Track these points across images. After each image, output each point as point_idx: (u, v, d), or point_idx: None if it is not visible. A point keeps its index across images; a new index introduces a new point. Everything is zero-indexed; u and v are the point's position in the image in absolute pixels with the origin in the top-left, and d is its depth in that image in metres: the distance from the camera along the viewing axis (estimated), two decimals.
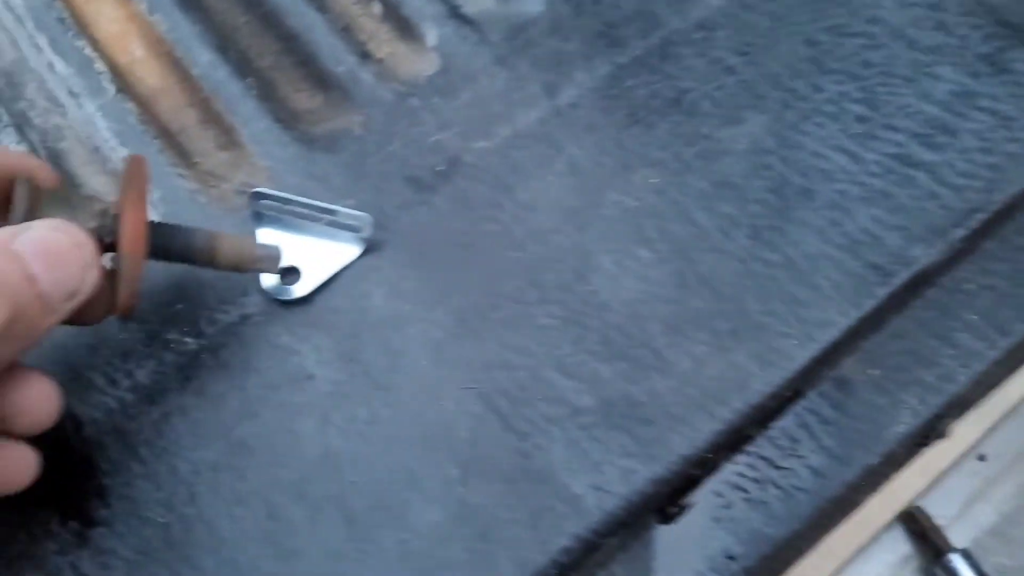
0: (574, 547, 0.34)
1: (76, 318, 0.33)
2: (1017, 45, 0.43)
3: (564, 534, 0.34)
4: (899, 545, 0.53)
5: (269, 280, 0.39)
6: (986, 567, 0.53)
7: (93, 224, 0.33)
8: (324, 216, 0.39)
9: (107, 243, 0.33)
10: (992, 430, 0.56)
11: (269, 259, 0.37)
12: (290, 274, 0.39)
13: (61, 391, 0.32)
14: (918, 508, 0.52)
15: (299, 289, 0.38)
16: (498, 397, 0.36)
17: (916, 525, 0.52)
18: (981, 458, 0.54)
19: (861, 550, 0.52)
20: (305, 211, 0.39)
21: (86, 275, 0.31)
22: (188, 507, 0.35)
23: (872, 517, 0.52)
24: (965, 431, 0.54)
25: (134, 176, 0.34)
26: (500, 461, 0.35)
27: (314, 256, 0.39)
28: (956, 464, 0.54)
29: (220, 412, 0.36)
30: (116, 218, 0.33)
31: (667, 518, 0.37)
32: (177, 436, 0.36)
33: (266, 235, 0.39)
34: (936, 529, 0.52)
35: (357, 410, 0.36)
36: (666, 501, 0.37)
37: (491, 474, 0.35)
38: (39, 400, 0.32)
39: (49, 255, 0.30)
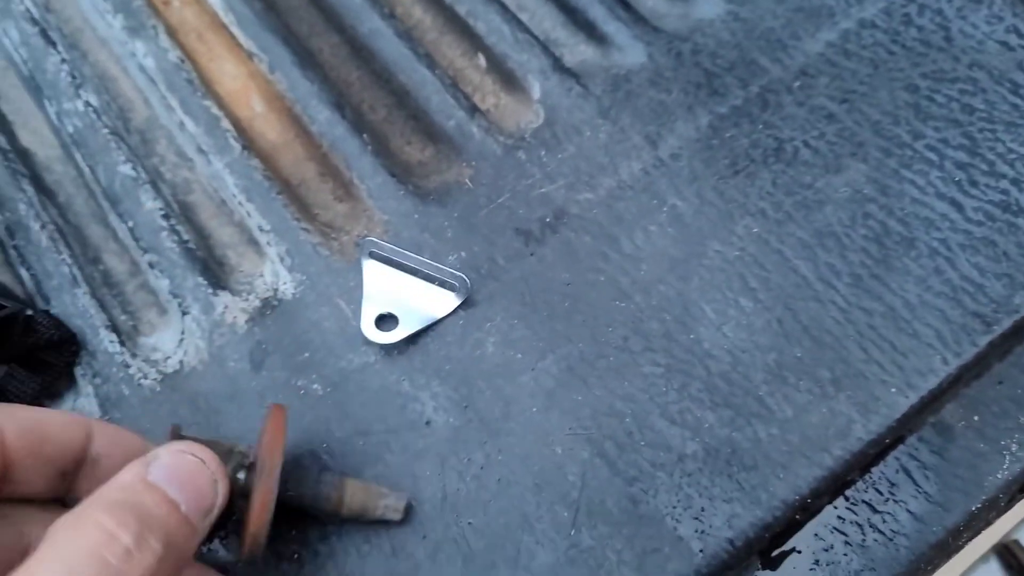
0: None
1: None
2: None
3: (669, 575, 0.36)
4: None
5: (367, 324, 0.41)
6: None
7: (231, 474, 0.34)
8: (425, 271, 0.42)
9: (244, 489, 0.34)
10: None
11: (394, 510, 0.37)
12: (387, 321, 0.41)
13: None
14: (1015, 541, 0.52)
15: (392, 336, 0.41)
16: (606, 443, 0.38)
17: (1012, 558, 0.52)
18: None
19: None
20: (409, 264, 0.42)
21: (217, 488, 0.32)
22: (320, 544, 0.38)
23: (967, 549, 0.52)
24: None
25: (272, 433, 0.34)
26: (608, 505, 0.37)
27: (412, 306, 0.41)
28: None
29: (346, 455, 0.39)
30: (251, 468, 0.34)
31: (770, 562, 0.38)
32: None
33: (371, 270, 0.42)
34: None
35: (473, 455, 0.39)
36: (768, 544, 0.38)
37: (599, 517, 0.37)
38: None
39: (181, 477, 0.31)
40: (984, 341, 0.39)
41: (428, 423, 0.39)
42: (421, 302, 0.41)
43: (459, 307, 0.41)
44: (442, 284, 0.41)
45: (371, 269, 0.42)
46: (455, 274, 0.40)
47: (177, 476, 0.31)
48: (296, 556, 0.37)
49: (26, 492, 0.32)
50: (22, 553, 0.31)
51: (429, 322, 0.41)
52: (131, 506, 0.29)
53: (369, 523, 0.37)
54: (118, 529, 0.28)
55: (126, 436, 0.35)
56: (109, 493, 0.30)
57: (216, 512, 0.32)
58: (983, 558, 0.53)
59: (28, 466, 0.32)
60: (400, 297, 0.41)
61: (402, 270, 0.42)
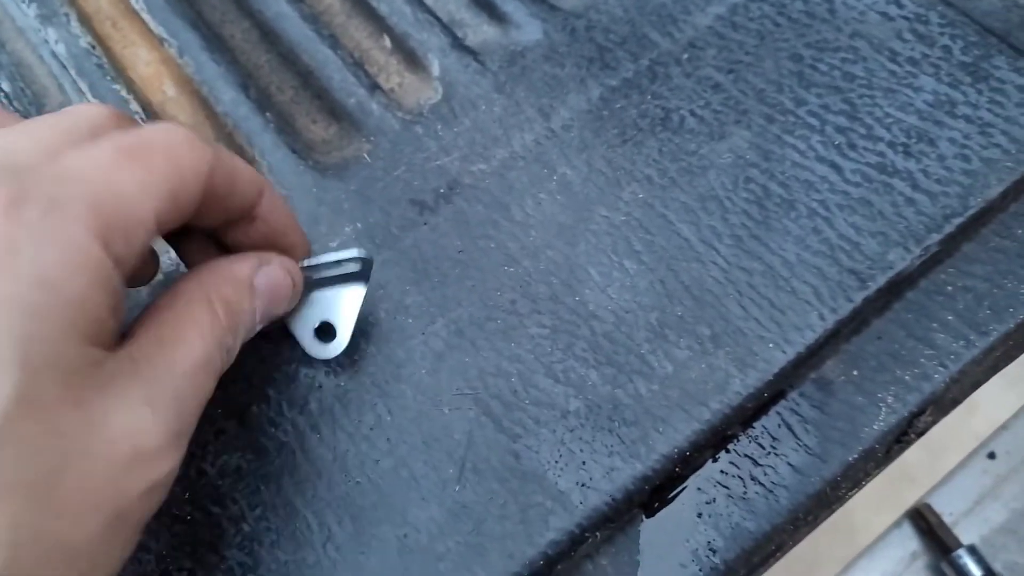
0: (561, 540, 0.37)
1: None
2: (998, 53, 0.44)
3: (551, 528, 0.37)
4: (908, 542, 0.54)
5: (310, 343, 0.40)
6: (997, 564, 0.54)
7: None
8: (330, 268, 0.40)
9: None
10: (1002, 428, 0.57)
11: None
12: (325, 332, 0.41)
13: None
14: (927, 505, 0.53)
15: (337, 345, 0.40)
16: (492, 402, 0.39)
17: (924, 522, 0.53)
18: (991, 456, 0.55)
19: (870, 546, 0.54)
20: (310, 271, 0.39)
21: (287, 306, 0.38)
22: (215, 506, 0.39)
23: (881, 514, 0.53)
24: (975, 429, 0.55)
25: None
26: (493, 461, 0.38)
27: (337, 306, 0.40)
28: (965, 462, 0.55)
29: (244, 421, 0.40)
30: None
31: (653, 514, 0.39)
32: (205, 442, 0.39)
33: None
34: (944, 526, 0.53)
35: (363, 416, 0.40)
36: (649, 497, 0.39)
37: (484, 473, 0.38)
38: None
39: (274, 293, 0.36)
40: (859, 297, 0.40)
41: (320, 387, 0.40)
42: (341, 298, 0.40)
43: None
44: (352, 270, 0.40)
45: None
46: (353, 256, 0.39)
47: (271, 291, 0.35)
48: (190, 518, 0.38)
49: (195, 225, 0.34)
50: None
51: (358, 311, 0.40)
52: (236, 310, 0.33)
53: None
54: (227, 332, 0.32)
55: (284, 208, 0.38)
56: (224, 285, 0.33)
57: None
58: (897, 523, 0.54)
59: (212, 209, 0.34)
60: (322, 304, 0.41)
61: (308, 279, 0.40)
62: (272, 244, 0.37)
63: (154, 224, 0.29)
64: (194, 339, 0.30)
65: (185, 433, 0.30)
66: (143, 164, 0.29)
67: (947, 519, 0.54)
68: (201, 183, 0.32)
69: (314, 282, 0.40)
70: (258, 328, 0.36)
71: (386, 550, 0.37)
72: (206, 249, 0.38)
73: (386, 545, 0.37)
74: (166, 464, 0.28)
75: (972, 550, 0.52)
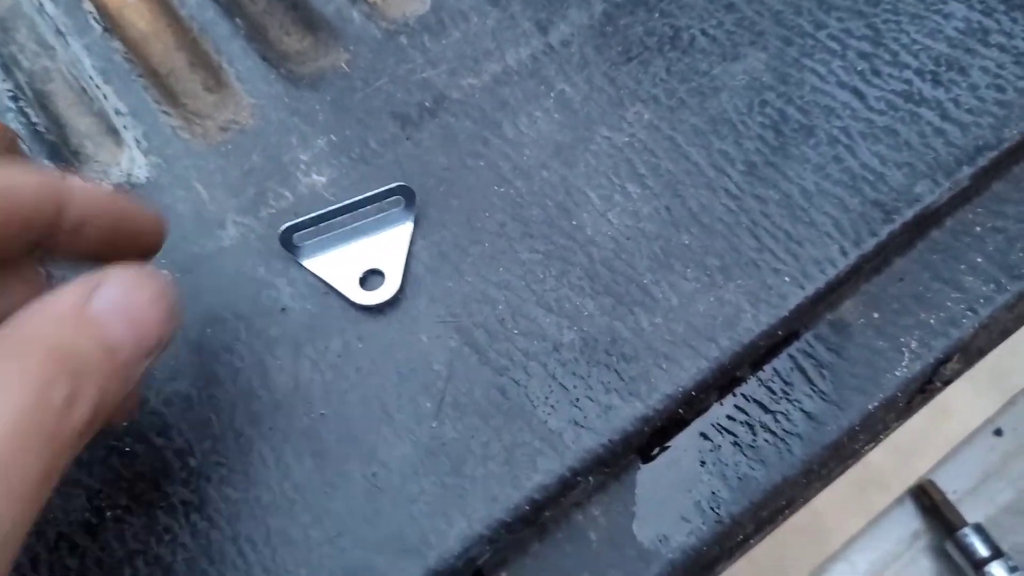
0: (550, 484, 0.33)
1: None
2: None
3: (539, 471, 0.33)
4: (909, 520, 0.50)
5: (354, 292, 0.36)
6: (1004, 545, 0.50)
7: None
8: (364, 207, 0.37)
9: None
10: (1009, 404, 0.54)
11: None
12: (372, 277, 0.37)
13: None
14: (930, 482, 0.50)
15: (388, 290, 0.36)
16: (476, 331, 0.35)
17: (927, 499, 0.49)
18: (997, 433, 0.52)
19: (870, 525, 0.50)
20: (342, 215, 0.36)
21: (166, 330, 0.27)
22: (158, 437, 0.34)
23: (882, 490, 0.50)
24: (981, 405, 0.51)
25: None
26: (475, 395, 0.34)
27: (380, 250, 0.37)
28: (971, 438, 0.52)
29: (195, 345, 0.35)
30: None
31: (652, 460, 0.35)
32: (150, 367, 0.35)
33: (316, 265, 0.37)
34: (948, 504, 0.49)
35: (330, 342, 0.35)
36: (649, 440, 0.35)
37: (466, 408, 0.34)
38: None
39: (130, 313, 0.26)
40: (884, 231, 0.36)
41: (283, 310, 0.36)
42: (384, 240, 0.37)
43: (323, 191, 0.38)
44: (389, 206, 0.37)
45: (308, 253, 0.37)
46: (391, 189, 0.36)
47: (125, 311, 0.26)
48: (128, 450, 0.34)
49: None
50: None
51: (406, 251, 0.37)
52: (65, 353, 0.24)
53: None
54: (54, 382, 0.23)
55: (111, 199, 0.29)
56: (44, 328, 0.24)
57: (158, 355, 0.27)
58: (899, 500, 0.51)
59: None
60: (361, 251, 0.37)
61: (337, 227, 0.37)
62: (118, 247, 0.30)
63: None
64: None
65: None
66: None
67: (952, 496, 0.51)
68: None
69: (352, 230, 0.37)
70: (153, 354, 0.27)
71: (352, 490, 0.33)
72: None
73: (352, 484, 0.33)
74: None
75: (979, 528, 0.49)
